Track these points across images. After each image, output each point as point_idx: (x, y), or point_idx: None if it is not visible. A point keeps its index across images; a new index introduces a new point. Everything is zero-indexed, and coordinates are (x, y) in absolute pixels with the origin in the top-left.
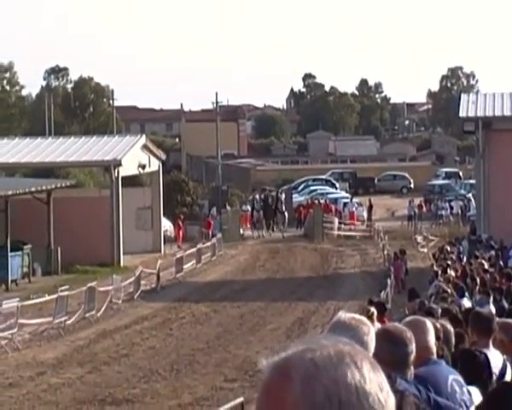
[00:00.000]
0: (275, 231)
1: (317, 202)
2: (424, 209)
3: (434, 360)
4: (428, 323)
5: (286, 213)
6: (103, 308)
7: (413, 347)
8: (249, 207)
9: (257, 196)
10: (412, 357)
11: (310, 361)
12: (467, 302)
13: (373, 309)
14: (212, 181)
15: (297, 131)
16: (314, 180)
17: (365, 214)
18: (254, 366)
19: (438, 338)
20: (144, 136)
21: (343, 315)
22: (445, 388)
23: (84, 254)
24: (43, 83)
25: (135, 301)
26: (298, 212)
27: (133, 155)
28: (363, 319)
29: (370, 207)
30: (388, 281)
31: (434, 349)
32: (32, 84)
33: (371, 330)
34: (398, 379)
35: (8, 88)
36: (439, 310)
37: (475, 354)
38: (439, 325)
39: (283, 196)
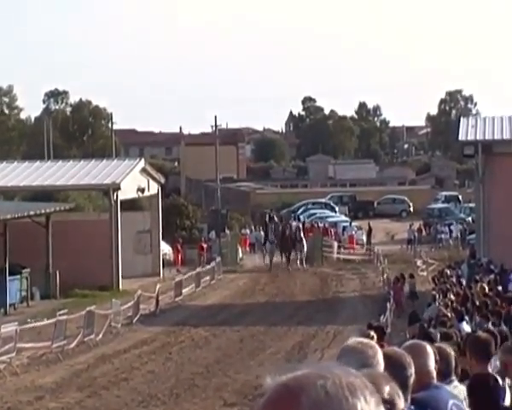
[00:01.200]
0: (291, 264)
1: (316, 225)
2: (424, 233)
3: (435, 384)
4: (428, 347)
5: (304, 242)
6: (102, 332)
7: (412, 371)
8: (248, 231)
9: (272, 226)
10: (411, 381)
11: (321, 388)
12: (466, 327)
13: (372, 333)
14: (212, 204)
15: (296, 154)
16: (314, 204)
17: (365, 238)
18: (254, 391)
19: (437, 362)
20: (143, 159)
21: (351, 340)
22: None
23: (83, 277)
24: (43, 106)
25: (134, 325)
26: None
27: (132, 179)
28: (370, 342)
29: (370, 231)
30: (388, 305)
31: (434, 374)
32: (31, 106)
33: (378, 353)
34: None
35: (7, 111)
36: (438, 334)
37: (488, 379)
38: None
39: (301, 221)
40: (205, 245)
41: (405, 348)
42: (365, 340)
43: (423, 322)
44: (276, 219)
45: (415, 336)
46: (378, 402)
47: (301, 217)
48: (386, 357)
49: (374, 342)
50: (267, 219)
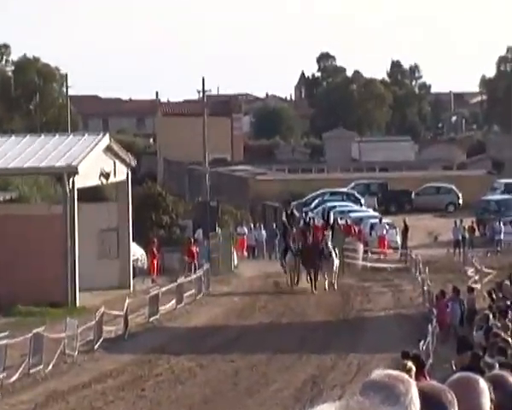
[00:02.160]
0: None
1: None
2: (477, 233)
3: None
4: (482, 382)
5: (334, 256)
6: (54, 362)
7: None
8: (246, 230)
9: (292, 225)
10: None
11: None
12: None
13: (410, 364)
14: (198, 195)
15: (309, 129)
16: (332, 194)
17: (399, 239)
18: None
19: (492, 400)
20: (108, 135)
21: (377, 372)
22: None
23: (29, 290)
24: None
25: (95, 352)
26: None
27: (94, 161)
28: (402, 375)
29: (405, 230)
30: (430, 327)
31: None
32: None
33: (412, 388)
34: None
35: None
36: (497, 365)
37: None
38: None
39: (330, 233)
40: (195, 249)
41: (452, 383)
42: (395, 372)
43: (476, 350)
44: (297, 214)
45: (464, 367)
46: None
47: (310, 214)
48: (422, 394)
49: (407, 376)
50: (284, 216)
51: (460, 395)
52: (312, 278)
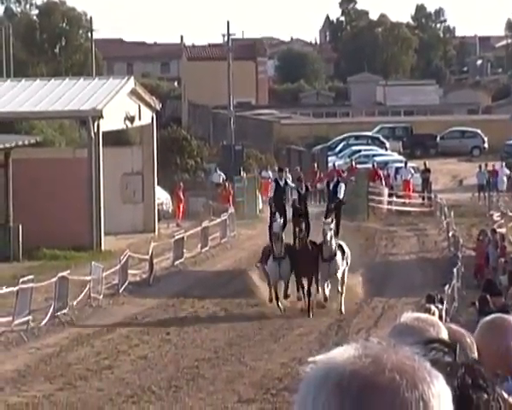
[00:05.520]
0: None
1: (360, 166)
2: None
3: None
4: None
5: (340, 257)
6: (79, 305)
7: (475, 356)
8: (271, 173)
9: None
10: None
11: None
12: None
13: (434, 308)
14: (223, 139)
15: (334, 73)
16: (357, 138)
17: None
18: (277, 383)
19: None
20: (133, 78)
21: (406, 315)
22: None
23: (54, 234)
24: (0, 7)
25: (120, 296)
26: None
27: (118, 104)
28: (431, 318)
29: (427, 173)
30: (454, 271)
31: None
32: None
33: (441, 332)
34: None
35: None
36: None
37: None
38: None
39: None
40: (231, 191)
41: (487, 324)
42: (424, 315)
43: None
44: (291, 184)
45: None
46: (445, 391)
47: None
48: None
49: (436, 319)
50: (270, 192)
51: (496, 334)
52: (306, 291)
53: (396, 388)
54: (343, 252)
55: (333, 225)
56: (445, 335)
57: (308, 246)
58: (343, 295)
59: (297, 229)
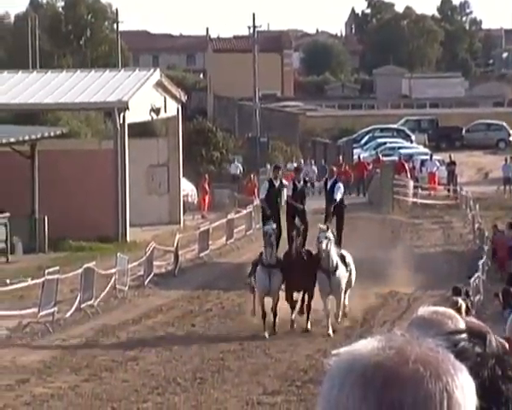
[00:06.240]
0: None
1: (385, 159)
2: None
3: None
4: None
5: (343, 270)
6: (104, 297)
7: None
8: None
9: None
10: None
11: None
12: None
13: (461, 301)
14: (248, 131)
15: (359, 65)
16: (382, 130)
17: (446, 175)
18: (303, 375)
19: None
20: (158, 70)
21: (423, 308)
22: None
23: (79, 225)
24: (26, 0)
25: (146, 287)
26: (359, 170)
27: (144, 96)
28: (449, 311)
29: (452, 166)
30: (480, 264)
31: None
32: (11, 0)
33: (460, 325)
34: None
35: None
36: None
37: None
38: None
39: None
40: (256, 183)
41: None
42: (442, 309)
43: None
44: (285, 182)
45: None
46: (469, 383)
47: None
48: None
49: (454, 312)
50: (262, 194)
51: None
52: (297, 308)
53: (420, 379)
54: (345, 264)
55: (329, 233)
56: (463, 328)
57: (303, 256)
58: (339, 315)
59: (292, 234)
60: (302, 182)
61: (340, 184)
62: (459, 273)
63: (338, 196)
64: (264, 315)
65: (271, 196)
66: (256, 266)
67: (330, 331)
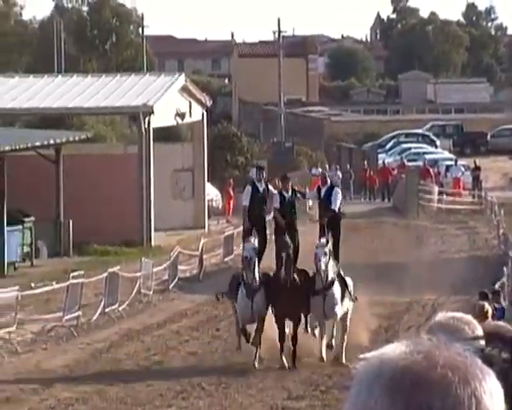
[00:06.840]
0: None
1: (410, 164)
2: None
3: None
4: None
5: (338, 291)
6: (129, 301)
7: None
8: (320, 170)
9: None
10: None
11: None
12: None
13: (487, 306)
14: (273, 136)
15: (385, 70)
16: (407, 135)
17: (471, 180)
18: (327, 380)
19: None
20: (183, 75)
21: (441, 314)
22: None
23: (104, 230)
24: (52, 3)
25: (170, 292)
26: (384, 175)
27: (169, 101)
28: (466, 317)
29: (477, 171)
30: (505, 269)
31: None
32: (36, 4)
33: (477, 330)
34: None
35: (4, 9)
36: None
37: None
38: None
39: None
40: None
41: None
42: (459, 314)
43: None
44: (273, 190)
45: None
46: (497, 388)
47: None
48: (486, 334)
49: (471, 317)
50: (244, 206)
51: None
52: (286, 338)
53: (448, 384)
54: (345, 285)
55: (328, 249)
56: (480, 333)
57: (294, 276)
58: (344, 343)
59: (281, 254)
60: (290, 192)
61: (338, 190)
62: (484, 279)
63: (336, 205)
64: (248, 340)
65: (255, 202)
66: (237, 285)
67: (324, 354)
